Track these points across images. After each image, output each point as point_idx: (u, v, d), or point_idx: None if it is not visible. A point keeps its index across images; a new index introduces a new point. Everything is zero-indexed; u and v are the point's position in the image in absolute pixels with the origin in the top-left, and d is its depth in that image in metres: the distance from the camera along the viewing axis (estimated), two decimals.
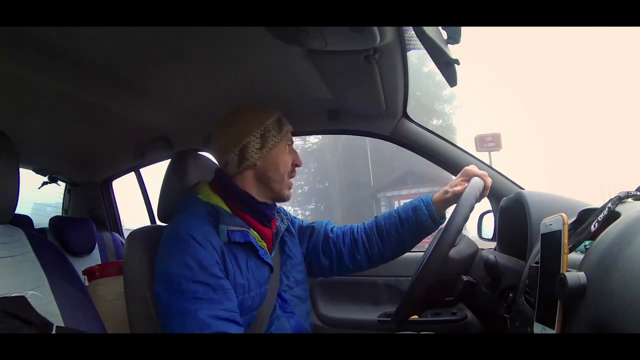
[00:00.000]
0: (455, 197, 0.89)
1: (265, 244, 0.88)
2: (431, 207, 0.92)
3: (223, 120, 0.89)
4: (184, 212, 0.85)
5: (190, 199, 0.88)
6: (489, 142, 8.40)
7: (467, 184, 0.87)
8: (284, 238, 0.96)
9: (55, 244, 1.19)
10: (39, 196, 1.79)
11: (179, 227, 0.80)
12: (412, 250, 1.00)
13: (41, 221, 1.79)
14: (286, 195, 0.90)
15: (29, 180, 1.71)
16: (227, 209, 0.85)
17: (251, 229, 0.85)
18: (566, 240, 0.52)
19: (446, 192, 0.92)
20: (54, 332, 0.62)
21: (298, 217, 1.06)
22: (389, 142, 1.28)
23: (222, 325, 0.74)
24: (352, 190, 12.96)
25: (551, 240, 0.56)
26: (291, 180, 0.91)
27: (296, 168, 0.91)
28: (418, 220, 0.93)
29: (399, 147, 1.28)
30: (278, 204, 0.95)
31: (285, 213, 1.00)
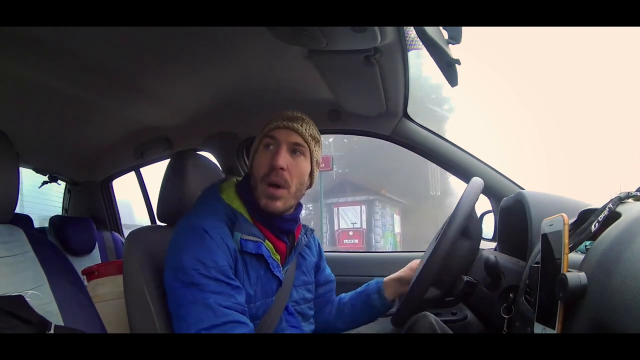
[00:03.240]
0: (403, 282, 0.98)
1: (278, 257, 0.84)
2: (380, 284, 0.99)
3: None
4: (203, 207, 0.82)
5: (213, 195, 0.84)
6: (320, 163, 9.00)
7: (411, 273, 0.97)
8: (303, 254, 0.93)
9: (55, 243, 1.19)
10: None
11: (196, 223, 0.77)
12: (412, 251, 1.02)
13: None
14: (262, 204, 0.79)
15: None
16: (247, 216, 0.82)
17: (266, 240, 0.82)
18: (567, 241, 0.52)
19: (391, 278, 1.00)
20: (52, 331, 0.62)
21: None
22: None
23: (237, 316, 0.73)
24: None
25: (552, 241, 0.56)
26: (270, 188, 0.79)
27: (281, 171, 0.79)
28: (367, 295, 1.00)
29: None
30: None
31: (312, 230, 0.95)
